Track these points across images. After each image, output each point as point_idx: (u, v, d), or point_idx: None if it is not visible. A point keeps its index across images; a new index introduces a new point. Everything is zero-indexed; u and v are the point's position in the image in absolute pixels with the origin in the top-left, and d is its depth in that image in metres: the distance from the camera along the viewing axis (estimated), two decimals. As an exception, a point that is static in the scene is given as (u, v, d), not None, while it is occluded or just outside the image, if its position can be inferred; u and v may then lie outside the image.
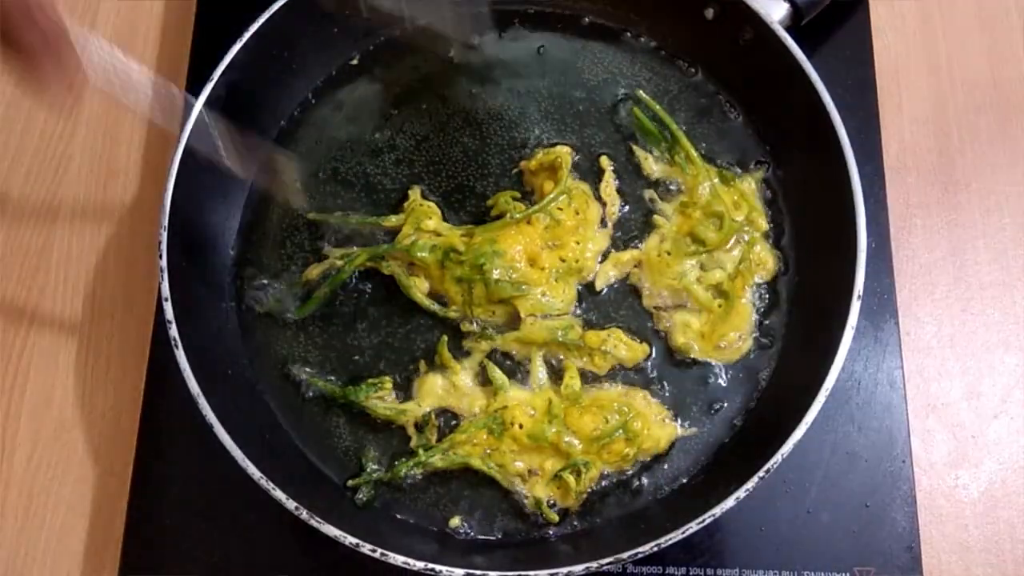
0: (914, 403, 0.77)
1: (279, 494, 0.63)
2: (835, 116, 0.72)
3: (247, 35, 0.75)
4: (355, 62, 0.85)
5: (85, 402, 0.80)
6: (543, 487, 0.70)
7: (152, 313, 0.78)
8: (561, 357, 0.74)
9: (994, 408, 0.78)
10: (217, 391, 0.67)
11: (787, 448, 0.64)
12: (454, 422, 0.73)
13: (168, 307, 0.68)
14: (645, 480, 0.72)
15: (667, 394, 0.74)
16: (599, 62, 0.84)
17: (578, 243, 0.76)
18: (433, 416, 0.73)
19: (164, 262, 0.69)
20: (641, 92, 0.81)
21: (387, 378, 0.74)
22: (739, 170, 0.80)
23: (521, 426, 0.70)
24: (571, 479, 0.69)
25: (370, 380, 0.74)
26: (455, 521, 0.71)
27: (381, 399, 0.74)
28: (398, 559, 0.62)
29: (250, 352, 0.76)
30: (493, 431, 0.71)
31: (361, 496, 0.71)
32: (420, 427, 0.73)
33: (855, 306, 0.67)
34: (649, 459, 0.72)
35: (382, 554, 0.62)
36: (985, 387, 0.79)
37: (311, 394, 0.75)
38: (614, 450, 0.70)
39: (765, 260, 0.77)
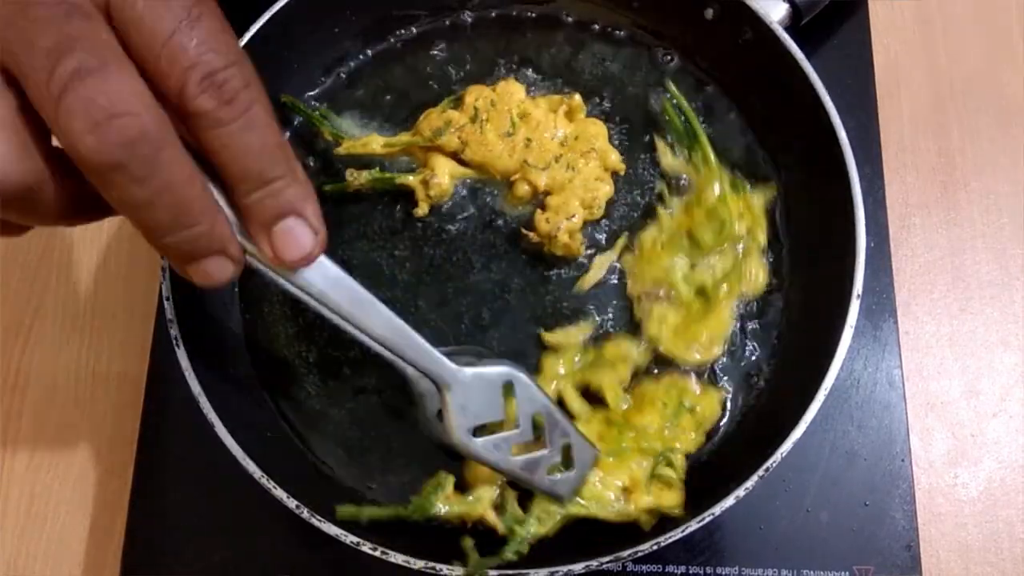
0: (913, 402, 0.77)
1: (280, 493, 0.63)
2: (834, 116, 0.72)
3: (247, 35, 0.75)
4: (357, 62, 0.86)
5: (85, 402, 0.80)
6: (643, 496, 0.66)
7: (153, 312, 0.78)
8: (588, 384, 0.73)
9: (993, 407, 0.79)
10: (218, 391, 0.67)
11: (786, 447, 0.64)
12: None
13: (169, 306, 0.68)
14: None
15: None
16: (598, 63, 0.85)
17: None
18: (506, 488, 0.67)
19: (164, 262, 0.69)
20: (671, 84, 0.82)
21: (444, 474, 0.66)
22: (752, 181, 0.79)
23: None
24: (668, 470, 0.67)
25: (430, 483, 0.66)
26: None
27: (448, 499, 0.65)
28: (399, 558, 0.62)
29: (252, 351, 0.76)
30: None
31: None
32: (499, 508, 0.66)
33: (854, 305, 0.67)
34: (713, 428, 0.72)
35: (383, 552, 0.62)
36: (984, 386, 0.79)
37: (313, 391, 0.75)
38: (683, 426, 0.70)
39: (756, 274, 0.76)
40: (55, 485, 0.78)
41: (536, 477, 0.63)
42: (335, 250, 0.79)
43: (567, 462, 0.64)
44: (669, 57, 0.84)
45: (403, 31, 0.86)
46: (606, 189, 0.79)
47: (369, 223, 0.80)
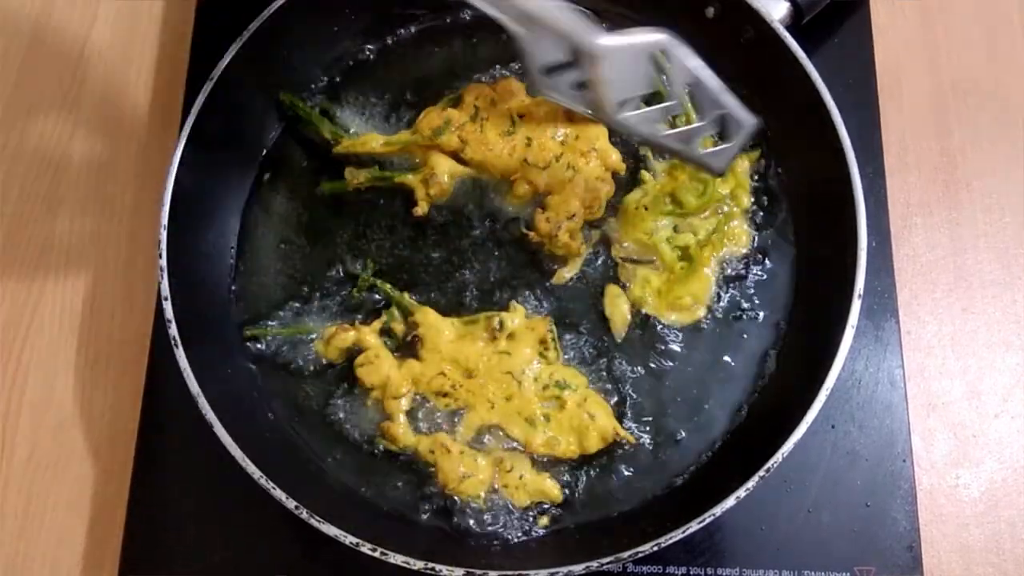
0: (915, 402, 0.77)
1: (279, 493, 0.63)
2: (836, 115, 0.72)
3: (247, 35, 0.75)
4: (356, 60, 0.85)
5: (85, 402, 0.80)
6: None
7: (152, 313, 0.78)
8: None
9: (995, 407, 0.78)
10: (217, 391, 0.67)
11: (788, 447, 0.64)
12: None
13: (168, 306, 0.68)
14: (644, 478, 0.72)
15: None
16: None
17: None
18: None
19: (164, 262, 0.69)
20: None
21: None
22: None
23: None
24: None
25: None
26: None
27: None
28: (398, 558, 0.62)
29: (251, 352, 0.76)
30: None
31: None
32: None
33: (856, 305, 0.67)
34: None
35: (382, 553, 0.62)
36: (986, 386, 0.79)
37: (312, 392, 0.75)
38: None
39: (739, 236, 0.78)
40: (54, 485, 0.77)
41: (690, 148, 0.62)
42: (335, 248, 0.79)
43: (723, 133, 0.64)
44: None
45: (403, 30, 0.86)
46: (607, 189, 0.79)
47: (368, 222, 0.80)
